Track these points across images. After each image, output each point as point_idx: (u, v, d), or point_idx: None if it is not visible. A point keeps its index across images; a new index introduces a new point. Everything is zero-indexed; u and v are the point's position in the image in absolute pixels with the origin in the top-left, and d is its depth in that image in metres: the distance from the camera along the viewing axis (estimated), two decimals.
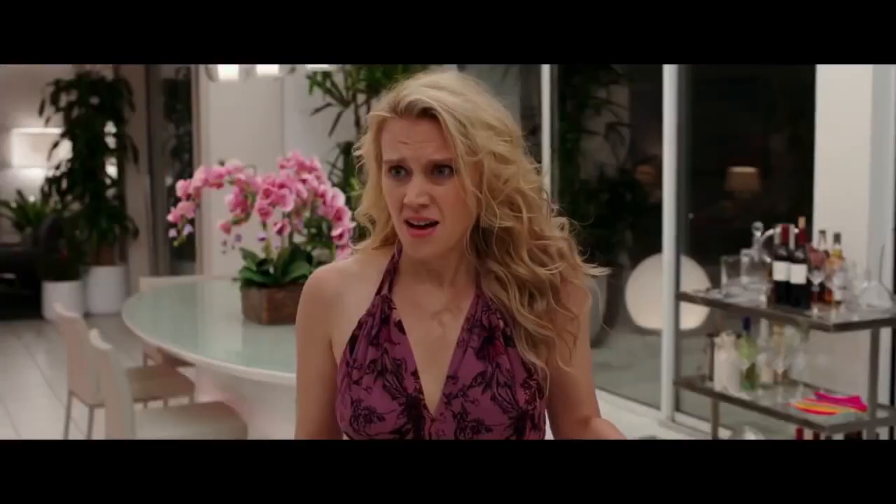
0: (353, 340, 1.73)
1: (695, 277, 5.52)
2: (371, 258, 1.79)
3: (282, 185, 4.29)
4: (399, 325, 1.73)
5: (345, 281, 1.78)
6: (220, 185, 4.51)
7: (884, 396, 4.04)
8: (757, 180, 6.40)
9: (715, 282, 4.70)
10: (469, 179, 1.64)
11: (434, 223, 1.66)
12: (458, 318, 1.74)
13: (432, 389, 1.70)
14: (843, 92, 4.11)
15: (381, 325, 1.73)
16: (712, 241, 5.68)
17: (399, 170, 1.66)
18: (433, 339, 1.73)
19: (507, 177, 1.67)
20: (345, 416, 1.70)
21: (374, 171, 1.73)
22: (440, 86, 1.67)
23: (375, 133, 1.71)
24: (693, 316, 5.60)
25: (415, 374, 1.70)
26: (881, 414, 3.92)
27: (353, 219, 4.36)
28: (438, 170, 1.65)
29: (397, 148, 1.66)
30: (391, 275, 1.76)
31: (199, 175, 4.50)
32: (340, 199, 4.41)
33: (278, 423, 3.94)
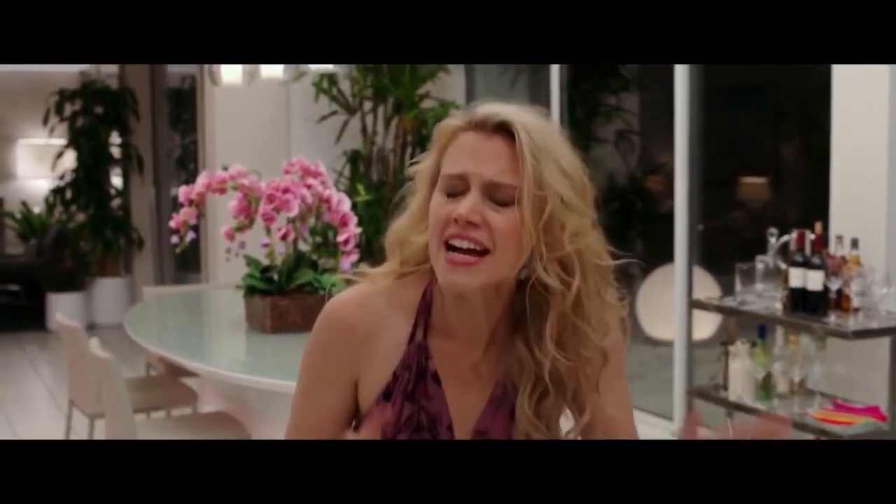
0: (387, 394, 1.60)
1: (706, 287, 5.44)
2: (398, 292, 1.62)
3: (286, 190, 4.21)
4: (435, 377, 1.60)
5: (375, 321, 1.60)
6: (223, 191, 4.43)
7: None
8: (767, 189, 6.33)
9: (727, 292, 4.62)
10: (530, 214, 1.48)
11: (482, 252, 1.50)
12: (494, 372, 1.62)
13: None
14: (859, 93, 4.03)
15: (417, 379, 1.60)
16: (723, 251, 5.61)
17: (455, 186, 1.52)
18: (468, 392, 1.62)
19: (571, 230, 1.50)
20: None
21: (424, 190, 1.58)
22: (523, 110, 1.54)
23: (441, 147, 1.57)
24: (704, 327, 5.52)
25: (449, 427, 1.61)
26: None
27: (362, 236, 4.29)
28: (501, 197, 1.50)
29: (460, 161, 1.52)
30: (424, 315, 1.61)
31: (201, 180, 4.42)
32: (346, 204, 4.33)
33: (282, 432, 3.85)
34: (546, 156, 1.49)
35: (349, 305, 1.62)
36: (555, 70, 6.03)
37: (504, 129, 1.51)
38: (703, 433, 1.48)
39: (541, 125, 1.52)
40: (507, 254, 1.51)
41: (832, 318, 3.81)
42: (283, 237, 4.28)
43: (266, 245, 4.30)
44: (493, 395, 1.62)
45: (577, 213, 1.52)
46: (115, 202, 10.05)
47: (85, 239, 9.75)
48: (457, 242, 1.50)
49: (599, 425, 1.63)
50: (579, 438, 1.62)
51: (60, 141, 9.87)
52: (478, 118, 1.53)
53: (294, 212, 4.23)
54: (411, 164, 1.62)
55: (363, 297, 1.63)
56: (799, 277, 3.90)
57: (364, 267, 1.67)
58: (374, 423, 1.54)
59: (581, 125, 6.61)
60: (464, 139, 1.54)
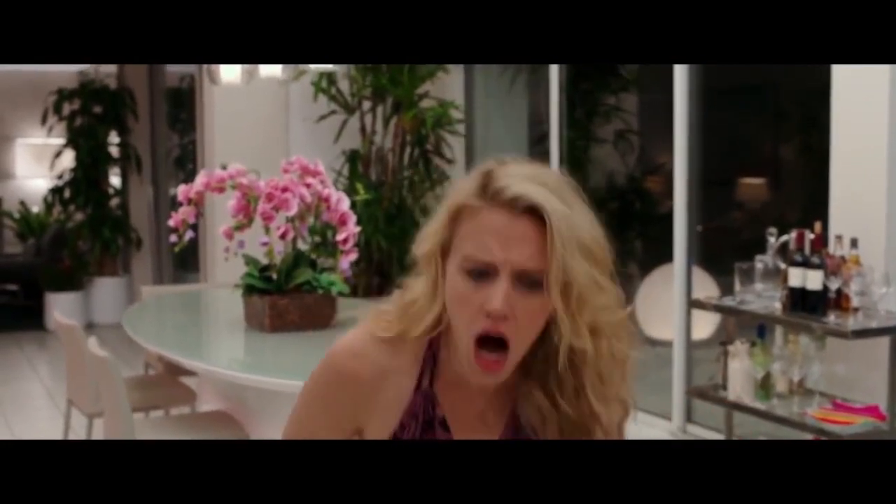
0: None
1: (705, 287, 5.43)
2: (403, 340, 1.58)
3: (285, 189, 4.21)
4: (443, 424, 1.58)
5: (379, 371, 1.57)
6: (221, 190, 4.43)
7: None
8: (766, 190, 6.33)
9: (725, 292, 4.61)
10: (559, 298, 1.45)
11: (503, 346, 1.47)
12: (502, 416, 1.60)
13: None
14: (859, 93, 4.02)
15: (424, 427, 1.57)
16: (722, 251, 5.60)
17: (482, 270, 1.46)
18: (478, 436, 1.60)
19: (599, 305, 1.49)
20: None
21: (434, 266, 1.52)
22: (545, 183, 1.47)
23: (450, 220, 1.50)
24: (703, 327, 5.51)
25: None
26: None
27: (361, 236, 4.28)
28: (528, 281, 1.45)
29: (486, 245, 1.45)
30: (430, 363, 1.58)
31: (200, 179, 4.41)
32: (345, 203, 4.33)
33: (281, 431, 3.85)
34: (572, 242, 1.45)
35: (353, 356, 1.59)
36: (554, 70, 6.02)
37: (531, 211, 1.45)
38: None
39: (565, 207, 1.47)
40: (528, 339, 1.49)
41: (831, 318, 3.80)
42: (282, 236, 4.27)
43: (265, 244, 4.30)
44: (503, 438, 1.60)
45: (600, 289, 1.49)
46: (114, 202, 10.04)
47: (83, 238, 9.74)
48: (492, 334, 1.46)
49: None
50: None
51: (59, 140, 9.86)
52: (504, 199, 1.45)
53: (293, 211, 4.22)
54: (416, 247, 1.55)
55: (367, 345, 1.59)
56: (798, 277, 3.89)
57: (373, 308, 1.62)
58: None
59: (580, 125, 6.60)
60: (487, 219, 1.46)
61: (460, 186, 1.51)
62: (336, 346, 1.61)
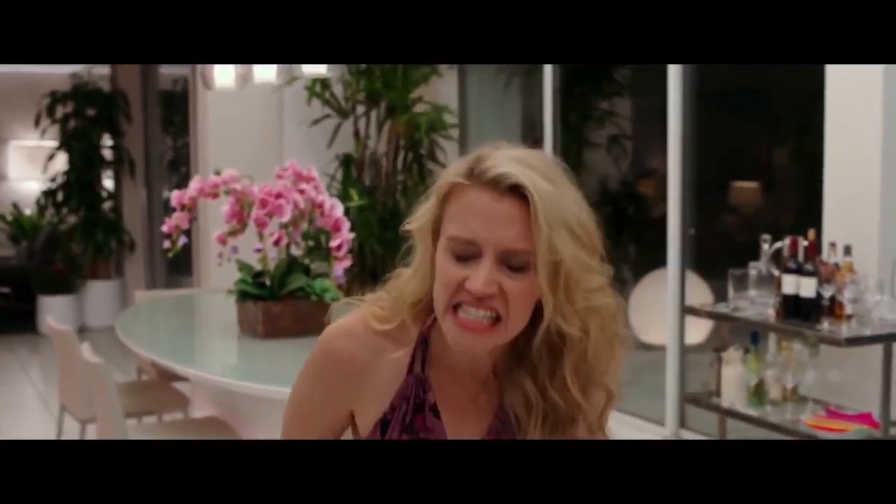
0: (384, 423, 1.58)
1: (698, 292, 5.43)
2: (398, 327, 1.59)
3: (279, 195, 4.20)
4: (434, 410, 1.58)
5: (373, 352, 1.58)
6: (215, 196, 4.42)
7: None
8: (760, 194, 6.33)
9: (719, 296, 4.61)
10: (546, 279, 1.44)
11: (496, 319, 1.47)
12: (491, 403, 1.60)
13: None
14: (853, 98, 4.02)
15: (415, 411, 1.58)
16: (715, 256, 5.61)
17: (466, 250, 1.46)
18: (466, 423, 1.60)
19: (588, 288, 1.48)
20: None
21: (427, 244, 1.53)
22: (531, 164, 1.46)
23: (442, 198, 1.49)
24: (697, 332, 5.51)
25: None
26: (894, 431, 3.82)
27: (355, 242, 4.28)
28: (514, 263, 1.45)
29: (469, 224, 1.45)
30: (423, 346, 1.59)
31: (194, 184, 4.40)
32: (339, 210, 4.32)
33: (274, 438, 3.84)
34: (558, 221, 1.43)
35: (347, 336, 1.60)
36: (548, 74, 6.02)
37: (515, 191, 1.44)
38: None
39: (552, 188, 1.46)
40: (519, 318, 1.48)
41: (825, 325, 3.80)
42: (276, 242, 4.26)
43: (258, 250, 4.29)
44: (490, 427, 1.60)
45: (590, 271, 1.48)
46: (107, 204, 10.02)
47: (76, 241, 9.71)
48: (471, 311, 1.46)
49: None
50: None
51: (52, 143, 9.83)
52: (487, 178, 1.45)
53: (287, 217, 4.21)
54: (405, 225, 1.56)
55: (361, 326, 1.60)
56: (792, 284, 3.89)
57: (369, 296, 1.64)
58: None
59: (574, 129, 6.61)
60: (472, 199, 1.46)
61: (452, 167, 1.51)
62: (330, 328, 1.62)
